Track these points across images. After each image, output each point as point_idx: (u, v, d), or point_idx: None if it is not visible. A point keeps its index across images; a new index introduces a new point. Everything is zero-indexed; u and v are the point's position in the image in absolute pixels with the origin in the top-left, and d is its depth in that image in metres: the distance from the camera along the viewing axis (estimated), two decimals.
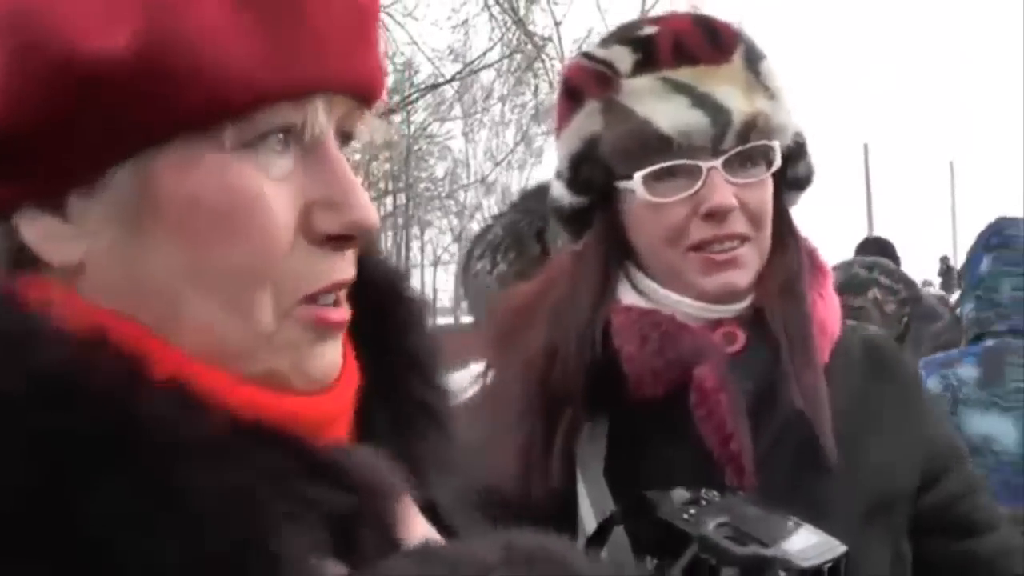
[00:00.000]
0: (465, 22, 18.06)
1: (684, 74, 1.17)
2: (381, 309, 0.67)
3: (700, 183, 1.17)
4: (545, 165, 18.08)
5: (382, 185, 22.26)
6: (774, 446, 1.15)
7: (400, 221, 25.98)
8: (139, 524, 0.49)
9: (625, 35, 1.22)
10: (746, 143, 1.18)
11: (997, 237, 2.80)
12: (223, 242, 0.57)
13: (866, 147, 26.73)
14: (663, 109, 1.16)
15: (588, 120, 1.22)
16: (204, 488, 0.51)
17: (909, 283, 3.41)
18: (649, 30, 1.20)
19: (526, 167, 21.67)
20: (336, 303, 0.62)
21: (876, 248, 5.50)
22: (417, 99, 18.04)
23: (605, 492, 1.16)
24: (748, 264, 1.19)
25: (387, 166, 21.12)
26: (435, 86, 18.09)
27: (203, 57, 0.54)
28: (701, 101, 1.15)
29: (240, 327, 0.58)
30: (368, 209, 0.60)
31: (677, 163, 1.17)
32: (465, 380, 1.39)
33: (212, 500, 0.51)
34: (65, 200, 0.57)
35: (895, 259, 5.05)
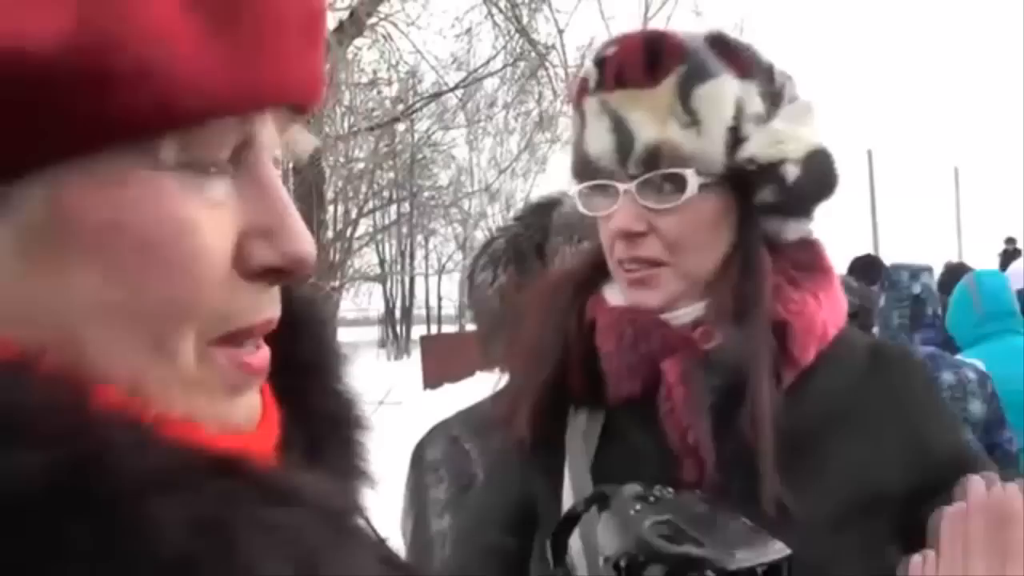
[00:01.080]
0: (468, 31, 18.08)
1: (615, 97, 1.24)
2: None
3: (615, 204, 1.24)
4: (549, 173, 18.11)
5: (386, 194, 22.31)
6: (740, 445, 1.16)
7: (404, 230, 26.02)
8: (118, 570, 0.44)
9: (596, 53, 1.29)
10: (653, 169, 1.21)
11: (888, 281, 3.83)
12: (147, 275, 0.50)
13: (870, 153, 26.75)
14: (592, 130, 1.25)
15: (572, 128, 1.33)
16: (176, 522, 0.45)
17: (863, 296, 3.54)
18: (609, 51, 1.26)
19: (530, 175, 21.70)
20: (258, 346, 0.55)
21: (861, 266, 5.93)
22: (421, 108, 18.09)
23: (588, 485, 1.20)
24: (663, 286, 1.24)
25: (391, 175, 21.17)
26: (439, 94, 18.12)
27: (146, 57, 0.47)
28: (617, 126, 1.22)
29: (157, 369, 0.51)
30: (307, 240, 0.54)
31: (597, 183, 1.26)
32: (472, 389, 1.41)
33: (185, 534, 0.45)
34: None
35: (878, 274, 5.42)
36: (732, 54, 1.25)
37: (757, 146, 1.22)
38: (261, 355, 0.55)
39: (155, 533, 0.44)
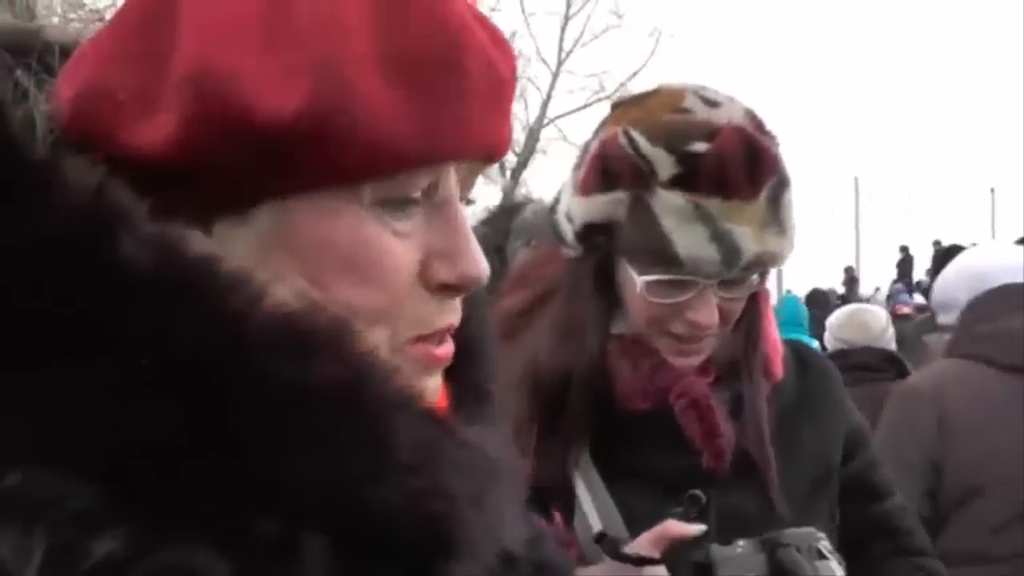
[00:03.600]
0: None
1: (713, 205, 1.27)
2: None
3: (692, 295, 1.32)
4: (516, 179, 17.96)
5: None
6: (740, 441, 1.37)
7: None
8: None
9: (675, 143, 1.28)
10: (749, 273, 1.34)
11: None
12: (350, 285, 0.64)
13: (856, 180, 27.50)
14: (684, 234, 1.27)
15: (614, 205, 1.32)
16: (407, 439, 0.61)
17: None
18: (699, 147, 1.27)
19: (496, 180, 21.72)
20: (442, 341, 0.69)
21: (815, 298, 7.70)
22: None
23: (610, 504, 1.34)
24: (706, 350, 1.38)
25: None
26: None
27: (358, 125, 0.60)
28: (719, 236, 1.27)
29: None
30: (480, 262, 0.67)
31: (680, 279, 1.31)
32: None
33: (412, 447, 0.61)
34: (212, 221, 0.63)
35: (827, 307, 7.49)
36: (774, 139, 1.35)
37: (795, 228, 1.36)
38: (446, 348, 0.69)
39: (395, 441, 0.60)
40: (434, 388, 0.69)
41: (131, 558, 0.53)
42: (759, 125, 1.33)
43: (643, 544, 1.23)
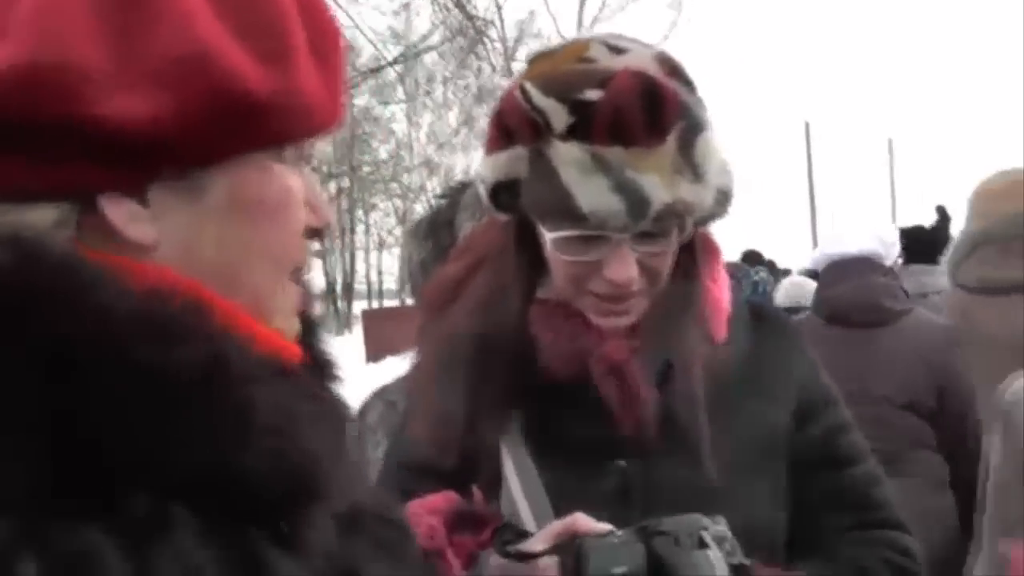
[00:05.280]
0: (407, 5, 17.98)
1: (614, 154, 1.21)
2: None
3: (607, 251, 1.26)
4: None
5: (326, 169, 22.13)
6: (672, 408, 1.29)
7: (344, 204, 25.89)
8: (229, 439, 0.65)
9: (567, 92, 1.23)
10: (664, 224, 1.25)
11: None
12: (275, 229, 0.75)
13: (807, 125, 27.14)
14: (585, 186, 1.22)
15: (515, 162, 1.27)
16: (264, 405, 0.67)
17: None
18: (591, 95, 1.21)
19: (469, 149, 21.64)
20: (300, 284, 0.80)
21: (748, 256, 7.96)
22: (360, 83, 17.96)
23: (537, 480, 1.28)
24: (634, 310, 1.30)
25: (330, 150, 21.03)
26: (378, 69, 17.98)
27: (302, 100, 0.73)
28: (622, 186, 1.21)
29: (273, 295, 0.76)
30: (328, 215, 0.80)
31: (588, 234, 1.25)
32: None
33: (271, 415, 0.67)
34: (146, 189, 0.70)
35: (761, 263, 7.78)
36: (689, 84, 1.28)
37: (726, 178, 1.29)
38: (303, 292, 0.80)
39: (253, 408, 0.66)
40: (297, 328, 0.78)
41: (17, 540, 0.57)
42: (671, 70, 1.26)
43: (541, 538, 1.16)
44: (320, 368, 0.82)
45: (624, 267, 1.26)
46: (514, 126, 1.26)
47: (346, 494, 0.74)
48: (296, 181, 0.77)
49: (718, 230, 1.40)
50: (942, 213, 4.26)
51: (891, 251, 3.16)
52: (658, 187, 1.21)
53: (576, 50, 1.28)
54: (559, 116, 1.22)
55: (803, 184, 26.15)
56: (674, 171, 1.22)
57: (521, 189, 1.27)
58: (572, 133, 1.22)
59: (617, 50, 1.25)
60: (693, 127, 1.24)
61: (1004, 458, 1.65)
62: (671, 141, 1.22)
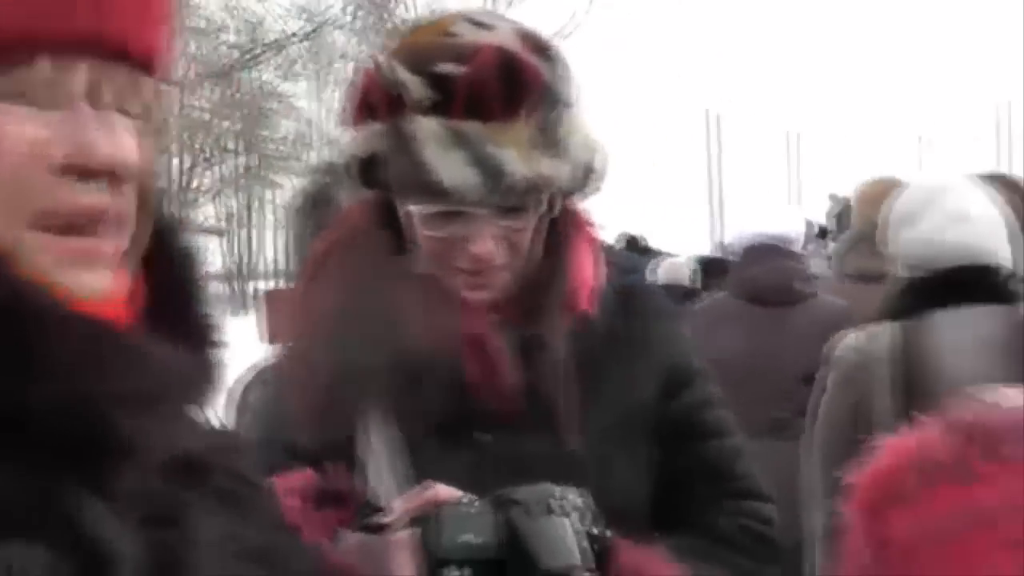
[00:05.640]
0: None
1: (471, 128, 1.23)
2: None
3: (469, 226, 1.27)
4: None
5: (231, 145, 21.73)
6: (536, 379, 1.32)
7: (247, 182, 25.44)
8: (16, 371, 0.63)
9: (426, 67, 1.24)
10: (523, 199, 1.27)
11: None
12: None
13: (708, 113, 27.55)
14: (443, 160, 1.23)
15: (374, 137, 1.28)
16: (54, 339, 0.64)
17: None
18: (448, 69, 1.23)
19: None
20: (88, 233, 0.68)
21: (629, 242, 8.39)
22: (262, 57, 17.66)
23: (402, 455, 1.29)
24: (497, 284, 1.32)
25: (228, 124, 20.62)
26: (283, 44, 17.68)
27: None
28: (480, 160, 1.22)
29: (14, 241, 0.66)
30: (109, 146, 0.68)
31: (449, 209, 1.26)
32: None
33: (57, 359, 0.64)
34: None
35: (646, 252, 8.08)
36: (556, 61, 1.29)
37: (590, 154, 1.31)
38: (95, 243, 0.69)
39: (46, 348, 0.63)
40: (96, 285, 0.69)
41: None
42: (534, 46, 1.27)
43: (398, 510, 1.16)
44: (194, 333, 0.76)
45: (485, 241, 1.27)
46: (374, 101, 1.26)
47: (173, 445, 0.71)
48: (15, 123, 0.66)
49: (612, 212, 1.42)
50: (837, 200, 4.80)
51: (800, 237, 3.58)
52: (515, 161, 1.23)
53: (441, 25, 1.29)
54: (418, 90, 1.23)
55: (704, 172, 26.61)
56: (532, 146, 1.24)
57: (382, 163, 1.27)
58: (432, 108, 1.22)
59: (481, 25, 1.26)
60: (554, 103, 1.26)
61: (832, 398, 2.26)
62: (530, 116, 1.23)
